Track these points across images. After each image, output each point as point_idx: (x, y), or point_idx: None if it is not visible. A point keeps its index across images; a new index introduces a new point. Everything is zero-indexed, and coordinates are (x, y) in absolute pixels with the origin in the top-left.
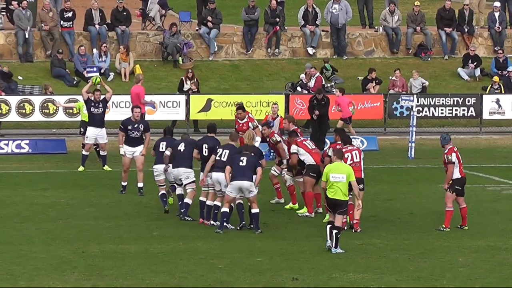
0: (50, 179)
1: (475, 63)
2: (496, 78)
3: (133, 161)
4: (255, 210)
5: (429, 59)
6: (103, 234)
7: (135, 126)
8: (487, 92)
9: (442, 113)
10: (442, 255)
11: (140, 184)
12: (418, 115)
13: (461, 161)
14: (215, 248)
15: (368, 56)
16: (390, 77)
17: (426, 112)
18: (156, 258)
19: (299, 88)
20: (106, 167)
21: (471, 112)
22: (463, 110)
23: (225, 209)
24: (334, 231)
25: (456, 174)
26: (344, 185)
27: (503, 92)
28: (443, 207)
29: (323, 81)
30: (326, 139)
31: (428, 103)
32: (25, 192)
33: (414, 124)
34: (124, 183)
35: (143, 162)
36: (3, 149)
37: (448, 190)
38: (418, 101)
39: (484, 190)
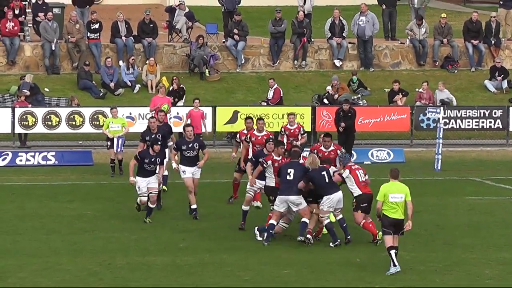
0: (76, 191)
1: (502, 75)
2: None
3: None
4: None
5: (455, 71)
6: (129, 246)
7: (190, 145)
8: None
9: (468, 125)
10: (468, 267)
11: (193, 206)
12: (444, 127)
13: (363, 179)
14: (241, 260)
15: (395, 68)
16: (417, 89)
17: (452, 124)
18: (182, 270)
19: (325, 101)
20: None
21: (498, 124)
22: (490, 122)
23: (272, 221)
24: (394, 251)
25: (357, 191)
26: (403, 205)
27: None
28: (470, 220)
29: (281, 93)
30: (352, 152)
31: (455, 115)
32: (51, 204)
33: (441, 136)
34: (193, 206)
35: (197, 185)
36: (29, 160)
37: (354, 210)
38: (444, 113)
39: (510, 203)
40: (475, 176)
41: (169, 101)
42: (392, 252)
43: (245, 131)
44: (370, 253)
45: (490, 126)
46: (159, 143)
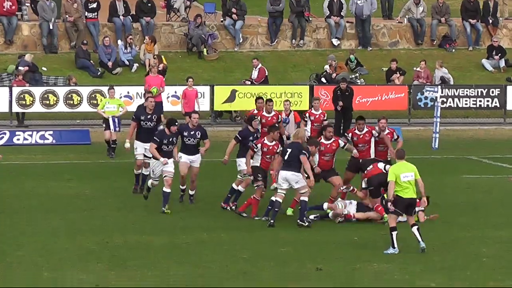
0: (74, 170)
1: (500, 54)
2: None
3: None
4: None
5: (453, 50)
6: (127, 225)
7: (192, 133)
8: None
9: (466, 104)
10: (466, 245)
11: (191, 192)
12: (442, 106)
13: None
14: (239, 239)
15: (392, 48)
16: (415, 68)
17: (450, 103)
18: (180, 249)
19: (323, 80)
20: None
21: (495, 103)
22: (487, 101)
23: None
24: (416, 227)
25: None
26: (414, 183)
27: None
28: (467, 198)
29: (266, 72)
30: None
31: (452, 94)
32: (48, 183)
33: (438, 115)
34: (191, 192)
35: (197, 173)
36: (27, 140)
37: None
38: (442, 92)
39: (507, 181)
40: (473, 154)
41: (162, 80)
42: (394, 233)
43: (255, 111)
44: (368, 233)
45: (487, 105)
46: (176, 123)
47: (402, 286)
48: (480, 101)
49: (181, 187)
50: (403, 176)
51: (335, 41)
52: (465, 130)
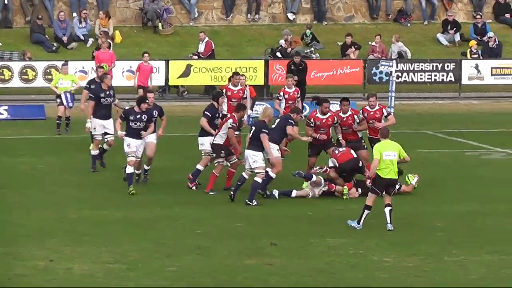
0: (29, 145)
1: (455, 29)
2: (472, 43)
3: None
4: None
5: (408, 24)
6: (83, 201)
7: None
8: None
9: (421, 78)
10: (421, 220)
11: (147, 167)
12: (397, 80)
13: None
14: (193, 214)
15: (348, 22)
16: (370, 43)
17: (405, 77)
18: (135, 224)
19: (278, 54)
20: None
21: (450, 77)
22: (442, 75)
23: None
24: (389, 208)
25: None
26: (396, 163)
27: (481, 57)
28: (423, 173)
29: (213, 46)
30: (304, 105)
31: (408, 69)
32: (3, 159)
33: (393, 89)
34: (146, 167)
35: (154, 149)
36: None
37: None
38: (397, 67)
39: (462, 156)
40: (428, 129)
41: (112, 56)
42: (366, 212)
43: (231, 86)
44: (323, 207)
45: (442, 79)
46: (147, 101)
47: (358, 261)
48: (435, 75)
49: (136, 171)
50: (385, 155)
51: (291, 16)
52: (420, 104)
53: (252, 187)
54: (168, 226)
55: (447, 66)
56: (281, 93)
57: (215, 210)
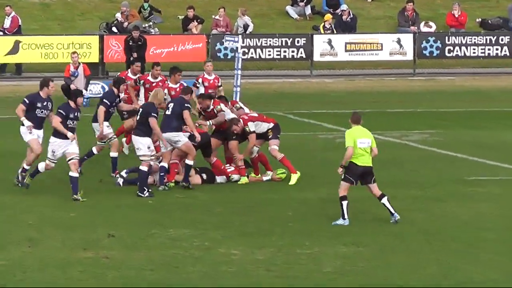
0: None
1: (305, 1)
2: (327, 17)
3: None
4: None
5: None
6: None
7: (44, 104)
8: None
9: (269, 55)
10: (270, 208)
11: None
12: (243, 57)
13: None
14: (22, 202)
15: None
16: (213, 16)
17: (252, 54)
18: None
19: (114, 29)
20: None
21: (301, 53)
22: (292, 51)
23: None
24: (385, 198)
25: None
26: (370, 151)
27: (335, 32)
28: (270, 157)
29: (19, 21)
30: None
31: (255, 44)
32: None
33: (239, 67)
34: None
35: None
36: None
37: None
38: (243, 42)
39: (315, 138)
40: (277, 110)
41: None
42: (345, 203)
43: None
44: (164, 195)
45: (292, 56)
46: (83, 95)
47: (202, 254)
48: (285, 51)
49: (26, 166)
50: (360, 142)
51: None
52: (269, 83)
53: (140, 177)
54: None
55: (298, 42)
56: (200, 80)
57: (46, 198)
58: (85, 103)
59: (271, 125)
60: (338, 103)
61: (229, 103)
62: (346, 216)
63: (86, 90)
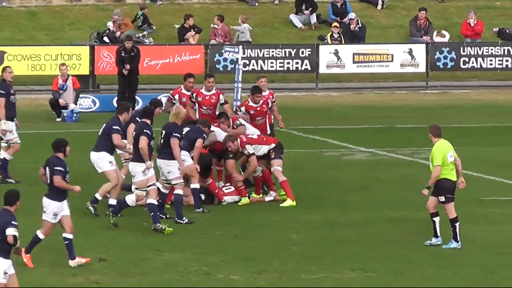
0: None
1: (310, 9)
2: (334, 25)
3: None
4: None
5: (256, 4)
6: None
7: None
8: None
9: (272, 67)
10: (273, 231)
11: None
12: (244, 69)
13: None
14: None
15: (186, 1)
16: (212, 25)
17: (253, 65)
18: None
19: (106, 39)
20: None
21: (306, 65)
22: (297, 63)
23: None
24: (457, 224)
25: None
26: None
27: (343, 42)
28: (273, 176)
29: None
30: (136, 98)
31: (256, 55)
32: None
33: (240, 79)
34: None
35: None
36: None
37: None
38: (244, 53)
39: (321, 156)
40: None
41: None
42: (457, 224)
43: (182, 90)
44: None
45: (296, 68)
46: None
47: (200, 279)
48: (288, 63)
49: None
50: (450, 156)
51: None
52: None
53: (176, 202)
54: None
55: (302, 52)
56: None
57: (32, 221)
58: (74, 118)
59: (272, 145)
60: (345, 118)
61: (230, 120)
62: (458, 238)
63: (76, 104)
